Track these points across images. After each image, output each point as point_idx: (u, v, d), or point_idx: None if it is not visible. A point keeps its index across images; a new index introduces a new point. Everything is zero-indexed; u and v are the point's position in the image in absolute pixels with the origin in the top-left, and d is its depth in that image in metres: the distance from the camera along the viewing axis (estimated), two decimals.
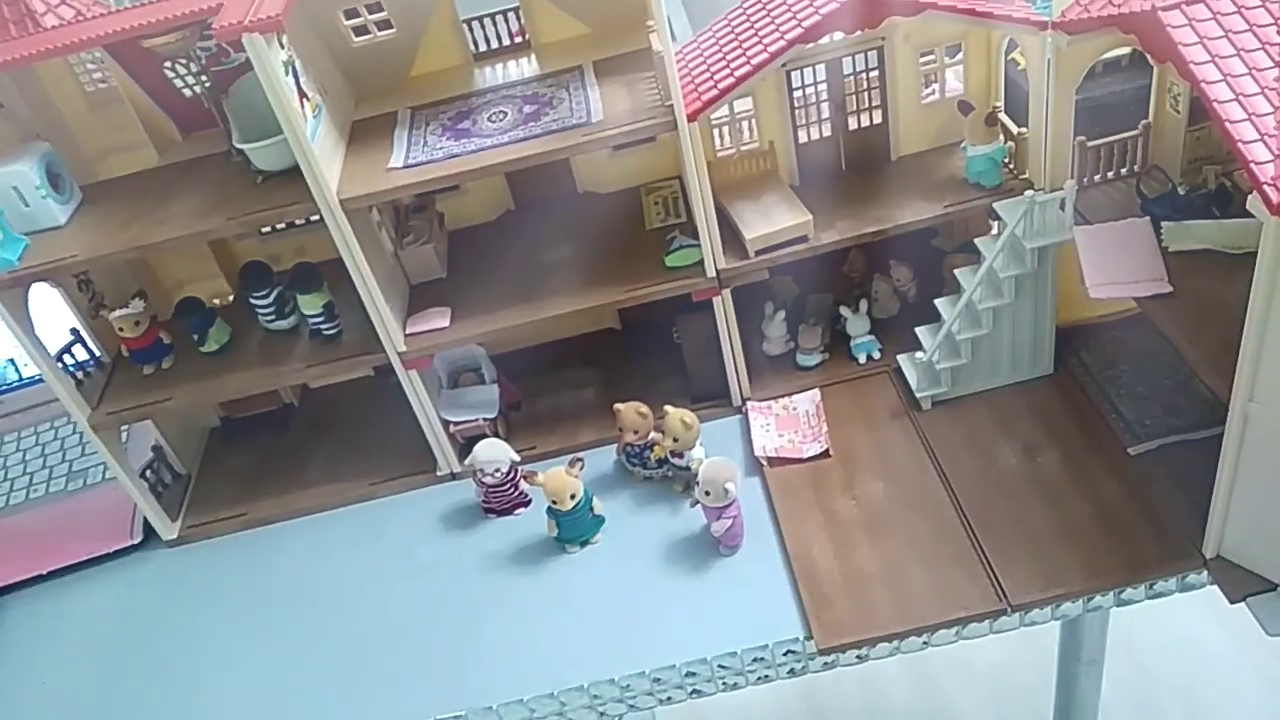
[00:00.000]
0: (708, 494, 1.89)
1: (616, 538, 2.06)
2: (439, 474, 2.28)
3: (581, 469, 1.99)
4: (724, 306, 2.11)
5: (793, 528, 1.98)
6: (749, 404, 2.23)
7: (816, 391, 2.23)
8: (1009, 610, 1.78)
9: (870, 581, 1.86)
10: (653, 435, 2.10)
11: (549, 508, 2.00)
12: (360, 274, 1.93)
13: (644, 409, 2.08)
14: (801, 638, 1.81)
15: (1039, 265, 1.96)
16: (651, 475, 2.15)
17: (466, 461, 2.13)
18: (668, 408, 2.05)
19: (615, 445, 2.17)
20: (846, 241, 2.07)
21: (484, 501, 2.16)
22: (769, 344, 2.33)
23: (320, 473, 2.35)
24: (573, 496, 1.97)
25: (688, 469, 2.06)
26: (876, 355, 2.28)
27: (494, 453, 2.08)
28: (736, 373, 2.21)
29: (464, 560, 2.10)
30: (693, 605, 1.90)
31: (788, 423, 2.19)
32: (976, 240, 2.04)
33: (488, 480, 2.09)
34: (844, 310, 2.27)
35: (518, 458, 2.12)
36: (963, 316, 2.03)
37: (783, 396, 2.25)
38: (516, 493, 2.14)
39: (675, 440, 2.02)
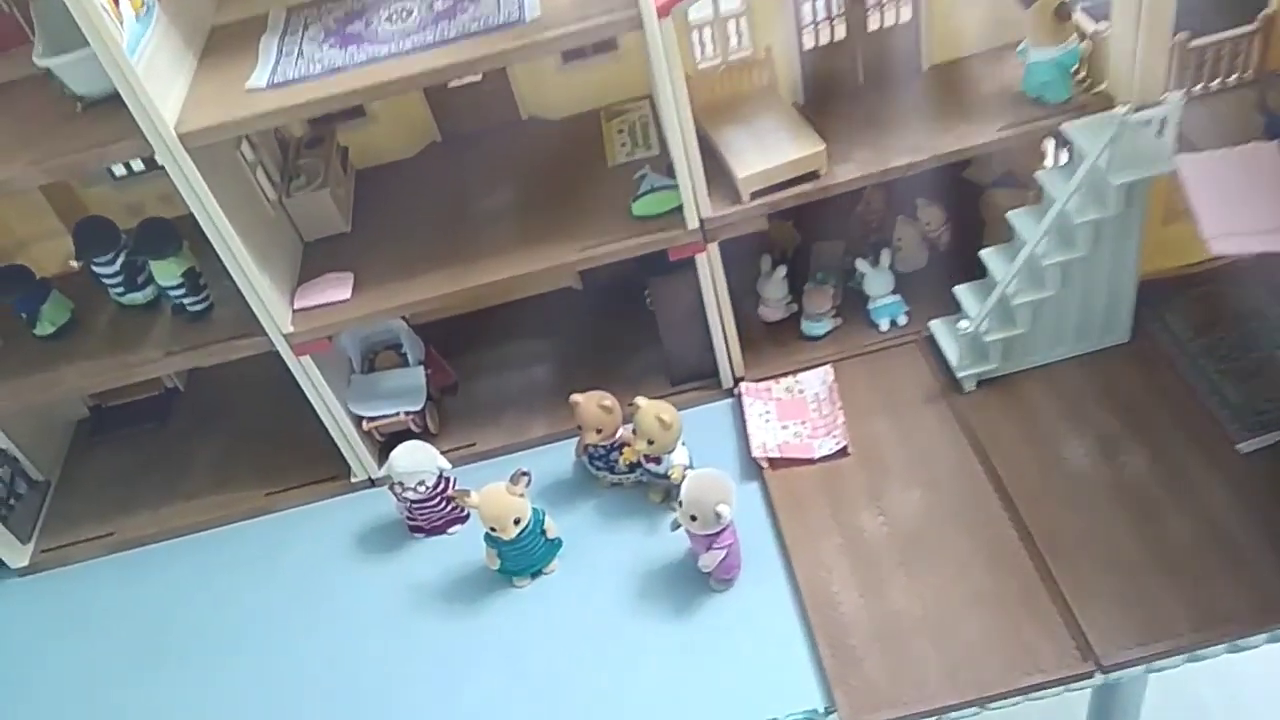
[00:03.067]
0: (694, 519, 1.43)
1: (578, 565, 1.62)
2: (353, 481, 1.81)
3: (528, 485, 1.52)
4: (709, 266, 1.63)
5: (804, 554, 1.53)
6: (742, 386, 1.77)
7: (829, 369, 1.76)
8: (1097, 671, 1.34)
9: (911, 631, 1.41)
10: (621, 433, 1.64)
11: (487, 534, 1.53)
12: (217, 230, 1.44)
13: (608, 401, 1.61)
14: (821, 710, 1.37)
15: (1126, 206, 1.48)
16: (621, 481, 1.69)
17: (382, 471, 1.66)
18: (640, 400, 1.58)
19: (575, 442, 1.70)
20: (868, 179, 1.59)
21: (409, 518, 1.69)
22: (766, 308, 1.86)
23: (207, 479, 1.89)
24: (517, 522, 1.51)
25: (667, 477, 1.59)
26: (902, 320, 1.82)
27: (415, 462, 1.61)
28: (726, 347, 1.74)
29: (382, 595, 1.65)
30: (676, 661, 1.47)
31: (793, 409, 1.72)
32: (1040, 174, 1.56)
33: (410, 496, 1.62)
34: (861, 264, 1.79)
35: (447, 466, 1.64)
36: (1022, 274, 1.55)
37: (785, 375, 1.78)
38: (449, 507, 1.68)
39: (650, 443, 1.56)
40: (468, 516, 1.71)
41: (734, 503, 1.44)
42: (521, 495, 1.51)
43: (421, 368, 1.80)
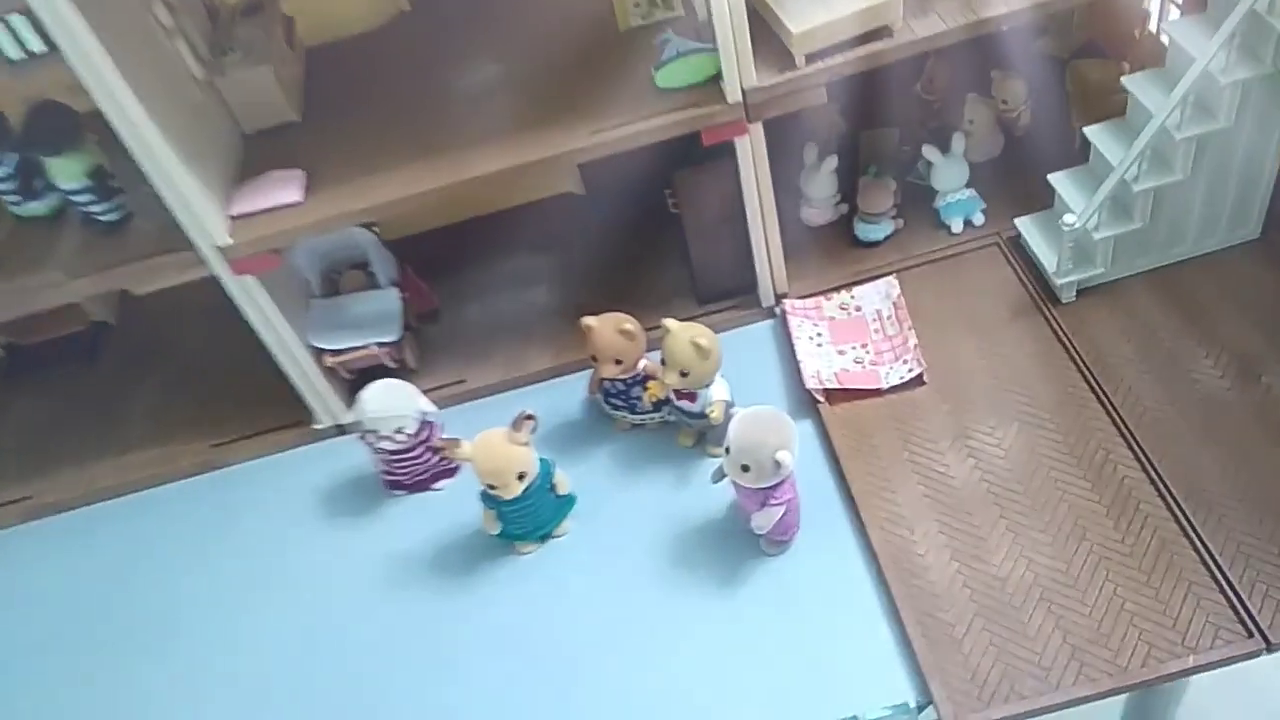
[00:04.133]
0: (746, 469, 1.13)
1: (595, 527, 1.32)
2: (317, 428, 1.49)
3: (533, 431, 1.21)
4: (752, 151, 1.31)
5: (877, 508, 1.23)
6: (786, 304, 1.46)
7: (892, 280, 1.45)
8: (1266, 649, 1.05)
9: (1021, 603, 1.13)
10: (644, 365, 1.33)
11: (484, 492, 1.23)
12: (123, 113, 1.10)
13: (629, 325, 1.29)
14: (914, 704, 1.08)
15: None
16: (644, 422, 1.38)
17: (351, 416, 1.35)
18: (668, 322, 1.26)
19: (588, 378, 1.39)
20: (952, 35, 1.26)
21: (385, 473, 1.39)
22: (811, 208, 1.54)
23: (142, 430, 1.59)
24: (521, 477, 1.20)
25: (703, 417, 1.29)
26: (979, 220, 1.50)
27: (391, 404, 1.30)
28: (769, 255, 1.43)
29: (355, 566, 1.36)
30: (721, 643, 1.18)
31: (850, 330, 1.42)
32: (1168, 28, 1.24)
33: (386, 446, 1.31)
34: (929, 152, 1.48)
35: (431, 408, 1.34)
36: (1146, 154, 1.24)
37: (838, 290, 1.47)
38: (434, 459, 1.37)
39: (683, 374, 1.24)
40: (458, 468, 1.40)
41: (795, 447, 1.14)
42: (526, 444, 1.21)
43: (395, 290, 1.48)
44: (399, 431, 1.30)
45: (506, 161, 1.26)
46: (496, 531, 1.27)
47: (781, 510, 1.17)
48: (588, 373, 1.40)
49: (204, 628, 1.34)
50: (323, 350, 1.44)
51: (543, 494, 1.26)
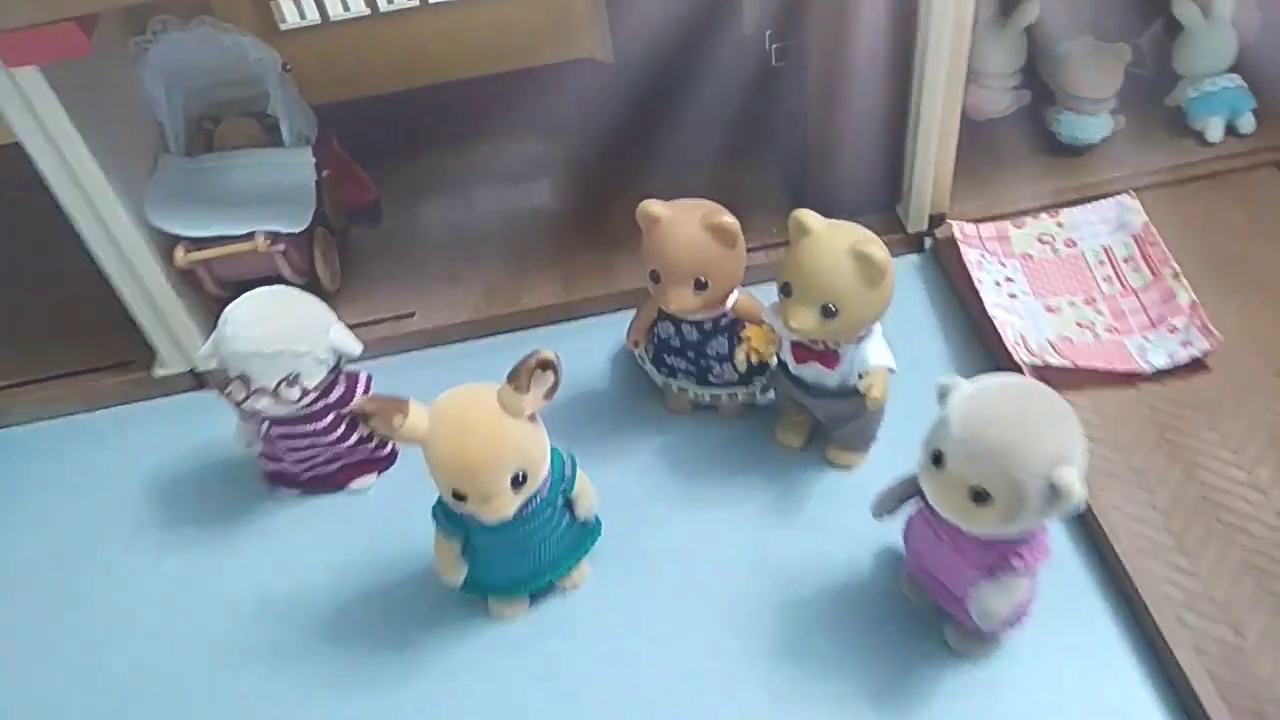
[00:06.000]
0: (981, 497, 0.56)
1: (630, 580, 0.76)
2: (159, 374, 0.89)
3: (550, 393, 0.62)
4: None
5: (1165, 588, 0.67)
6: (954, 228, 0.90)
7: (1130, 201, 0.90)
8: None
9: None
10: (736, 300, 0.75)
11: (441, 505, 0.64)
12: None
13: (726, 218, 0.72)
14: None
15: None
16: (717, 399, 0.80)
17: (208, 349, 0.74)
18: (805, 215, 0.69)
19: (625, 321, 0.82)
20: None
21: (265, 455, 0.79)
22: (982, 89, 0.98)
23: None
24: (519, 480, 0.62)
25: (846, 395, 0.72)
26: (1247, 125, 0.95)
27: (279, 330, 0.71)
28: (936, 144, 0.86)
29: (198, 614, 0.78)
30: None
31: (1060, 275, 0.88)
32: None
33: (266, 408, 0.72)
34: (1183, 9, 0.93)
35: (355, 348, 0.74)
36: None
37: (1034, 213, 0.91)
38: (351, 435, 0.78)
39: (829, 312, 0.67)
40: (394, 456, 0.82)
41: (1084, 464, 0.57)
42: (532, 419, 0.62)
43: (309, 153, 0.89)
44: (290, 383, 0.71)
45: None
46: (458, 580, 0.68)
47: (1026, 582, 0.60)
48: (621, 314, 0.83)
49: None
50: (175, 239, 0.83)
51: (550, 515, 0.67)
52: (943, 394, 0.59)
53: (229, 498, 0.83)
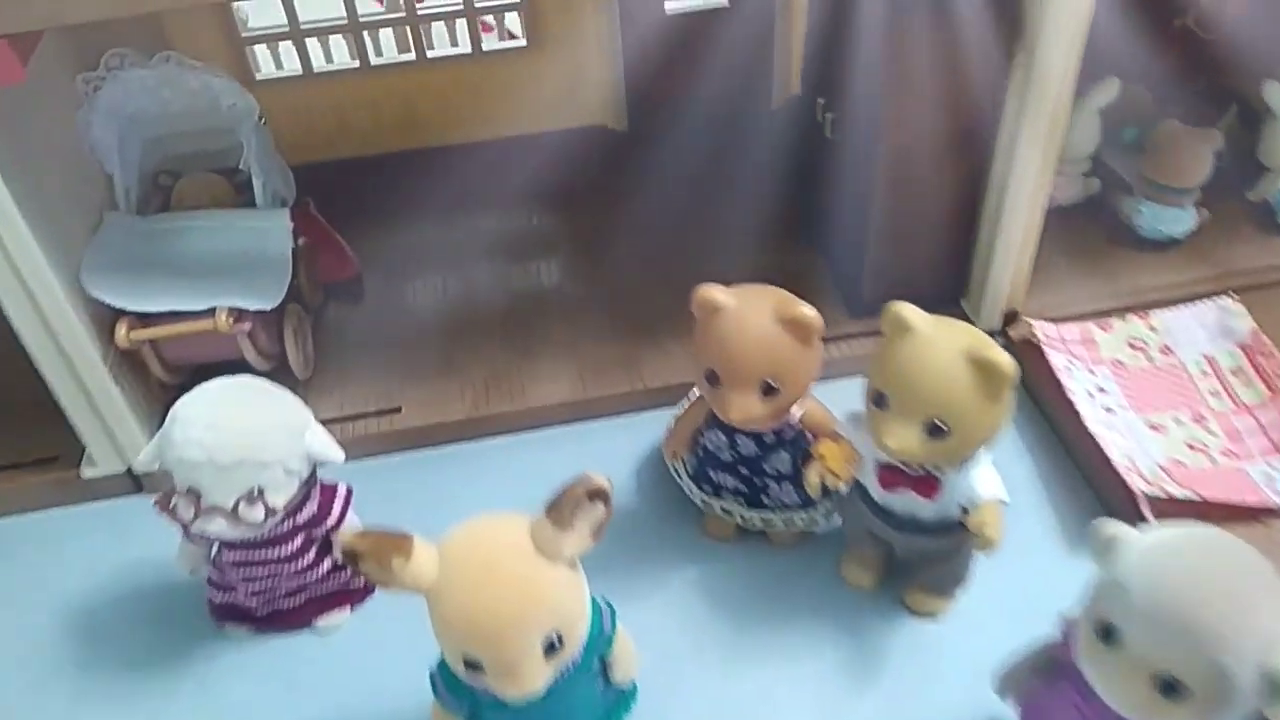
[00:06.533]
0: (1173, 688, 0.42)
1: None
2: (87, 476, 0.73)
3: (599, 531, 0.48)
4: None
5: None
6: (1035, 328, 0.78)
7: (1231, 304, 0.79)
8: None
9: None
10: (804, 410, 0.62)
11: (444, 671, 0.49)
12: None
13: (805, 309, 0.59)
14: None
15: None
16: (770, 524, 0.67)
17: (151, 451, 0.59)
18: (906, 310, 0.56)
19: (666, 426, 0.68)
20: None
21: (213, 583, 0.64)
22: (1056, 176, 0.87)
23: None
24: (553, 646, 0.47)
25: (950, 530, 0.59)
26: None
27: (242, 429, 0.56)
28: (1021, 232, 0.75)
29: None
30: None
31: (1159, 386, 0.76)
32: None
33: (220, 530, 0.56)
34: (1271, 91, 0.84)
35: (334, 455, 0.60)
36: None
37: (1121, 314, 0.80)
38: (323, 564, 0.63)
39: (937, 429, 0.54)
40: (371, 587, 0.67)
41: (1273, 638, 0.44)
42: (571, 565, 0.48)
43: (285, 214, 0.75)
44: (251, 500, 0.56)
45: None
46: None
47: None
48: (646, 415, 0.70)
49: None
50: (117, 313, 0.69)
51: (582, 683, 0.53)
52: (1107, 546, 0.46)
53: (165, 634, 0.67)
